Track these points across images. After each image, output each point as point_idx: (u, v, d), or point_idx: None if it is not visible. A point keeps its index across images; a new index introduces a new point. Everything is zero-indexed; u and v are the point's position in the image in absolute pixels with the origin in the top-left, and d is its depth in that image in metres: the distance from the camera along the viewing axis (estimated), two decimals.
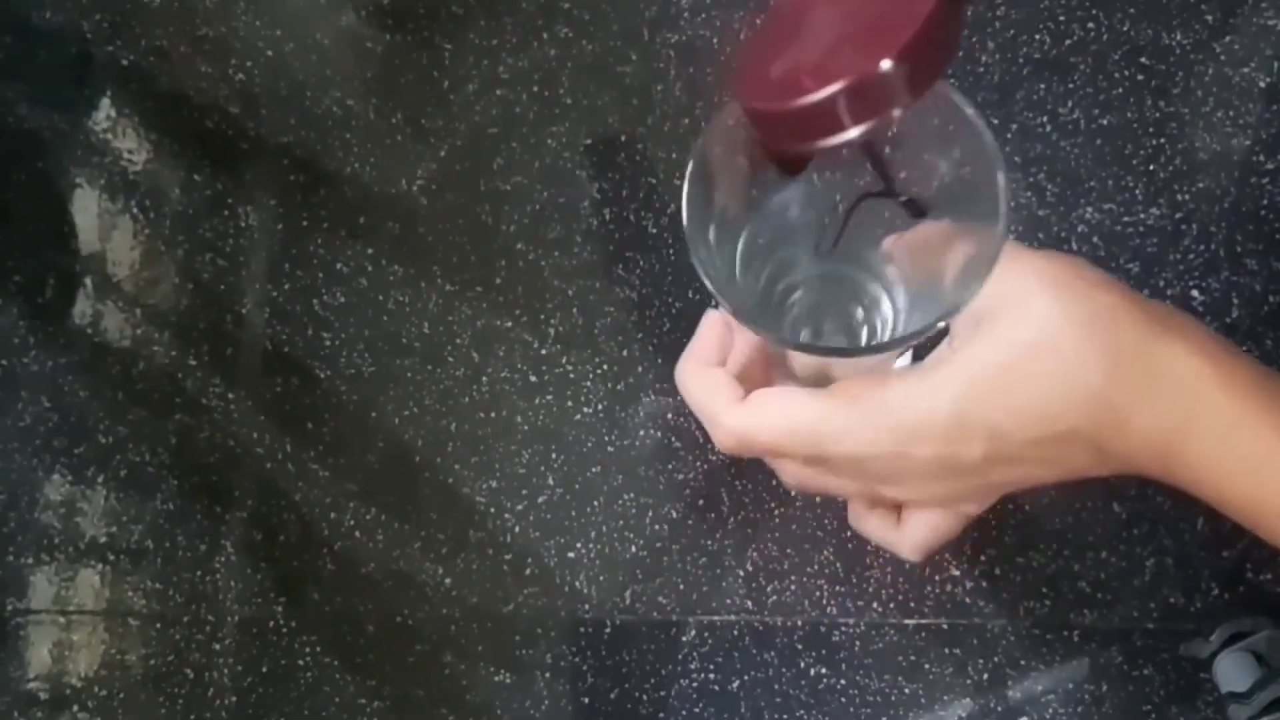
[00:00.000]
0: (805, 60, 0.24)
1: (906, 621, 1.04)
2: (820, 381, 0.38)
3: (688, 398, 0.40)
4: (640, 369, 1.11)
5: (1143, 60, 1.05)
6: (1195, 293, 1.03)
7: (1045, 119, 1.06)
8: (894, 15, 0.23)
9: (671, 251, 1.12)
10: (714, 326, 0.39)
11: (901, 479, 0.38)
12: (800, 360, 0.39)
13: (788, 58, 0.25)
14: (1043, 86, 1.06)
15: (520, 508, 1.12)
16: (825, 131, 0.24)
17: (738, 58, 0.27)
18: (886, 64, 0.23)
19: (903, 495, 0.39)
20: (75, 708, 1.20)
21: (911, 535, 0.42)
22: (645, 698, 1.08)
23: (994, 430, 0.35)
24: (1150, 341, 0.33)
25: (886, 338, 0.36)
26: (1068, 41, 1.07)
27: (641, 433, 1.10)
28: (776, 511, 1.07)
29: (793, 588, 1.06)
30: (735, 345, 0.39)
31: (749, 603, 1.07)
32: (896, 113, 0.24)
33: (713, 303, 0.36)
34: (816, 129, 0.24)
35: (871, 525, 0.43)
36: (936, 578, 1.04)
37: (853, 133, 0.24)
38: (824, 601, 1.06)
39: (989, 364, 0.34)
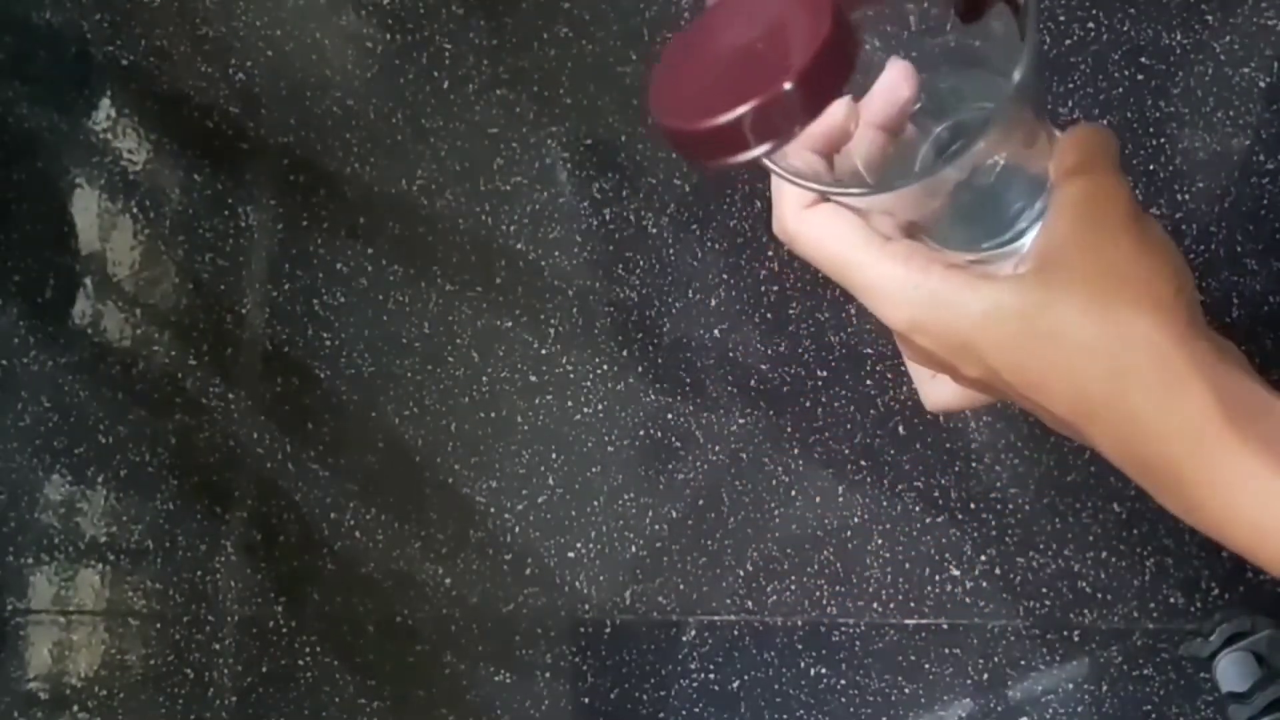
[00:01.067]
0: (714, 81, 0.25)
1: (907, 621, 1.04)
2: (920, 233, 0.39)
3: (774, 182, 0.41)
4: (640, 369, 1.11)
5: (1143, 60, 1.05)
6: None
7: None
8: (795, 37, 0.25)
9: (671, 251, 1.12)
10: (829, 117, 0.39)
11: (906, 345, 0.40)
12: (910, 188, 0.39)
13: (699, 77, 0.26)
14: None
15: (520, 508, 1.12)
16: (732, 150, 0.26)
17: (654, 73, 0.29)
18: (787, 86, 0.24)
19: (909, 356, 0.41)
20: (75, 708, 1.20)
21: (935, 390, 0.43)
22: (645, 698, 1.08)
23: (993, 369, 0.36)
24: (1169, 384, 0.33)
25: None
26: (1068, 41, 1.07)
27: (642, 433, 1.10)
28: (776, 511, 1.07)
29: (793, 588, 1.06)
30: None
31: (749, 603, 1.07)
32: (798, 130, 0.25)
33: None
34: (723, 148, 0.26)
35: (912, 364, 0.44)
36: (937, 578, 1.04)
37: (757, 151, 0.26)
38: (824, 601, 1.06)
39: (1017, 313, 0.34)
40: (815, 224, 0.38)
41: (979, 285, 0.35)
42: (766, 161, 0.32)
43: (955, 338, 0.36)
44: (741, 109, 0.24)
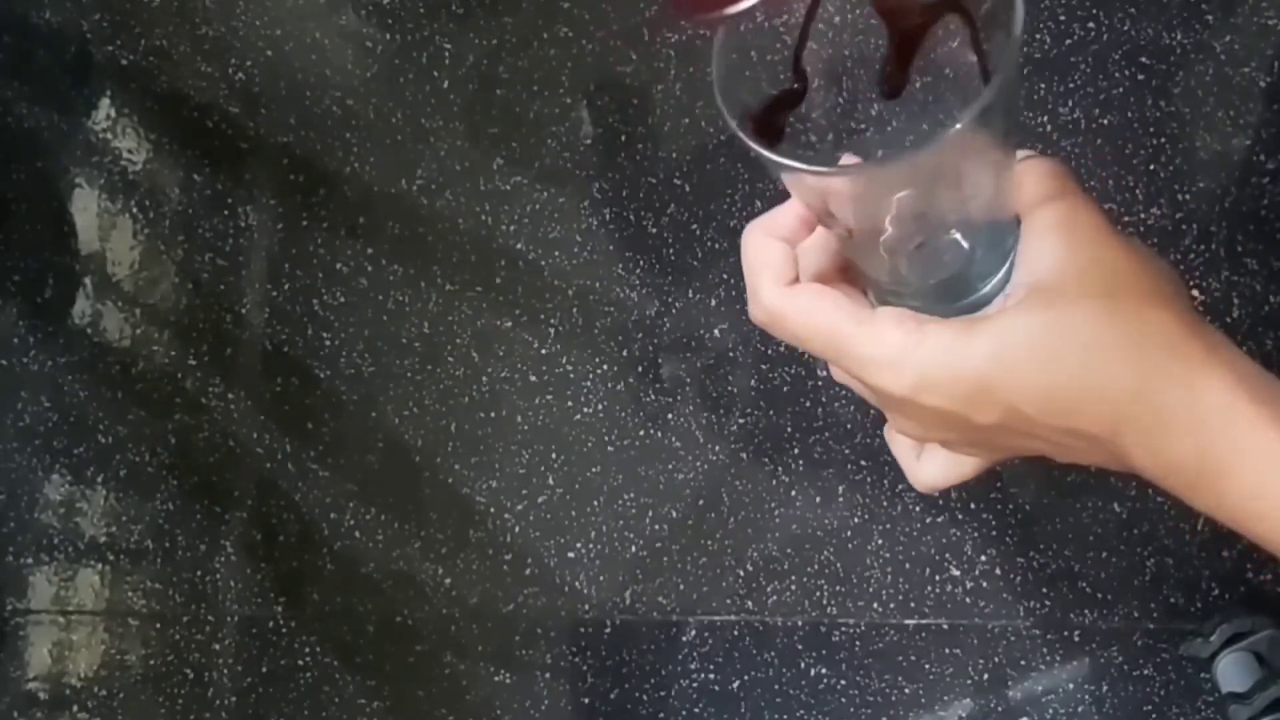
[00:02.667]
0: None
1: (907, 621, 1.04)
2: (891, 300, 0.39)
3: (744, 261, 0.41)
4: (640, 369, 1.11)
5: (1143, 60, 1.05)
6: (1195, 293, 1.03)
7: (1045, 118, 1.06)
8: None
9: (671, 251, 1.12)
10: (797, 205, 0.39)
11: (908, 416, 0.38)
12: (877, 273, 0.39)
13: None
14: (1043, 86, 1.06)
15: (520, 508, 1.12)
16: None
17: None
18: None
19: (908, 430, 0.40)
20: (75, 708, 1.20)
21: (925, 470, 0.42)
22: (645, 698, 1.08)
23: (1013, 407, 0.35)
24: (1192, 372, 0.33)
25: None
26: (1068, 41, 1.06)
27: (644, 430, 1.10)
28: (776, 511, 1.07)
29: (793, 588, 1.06)
30: (810, 242, 0.40)
31: (749, 603, 1.07)
32: None
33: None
34: None
35: (899, 446, 0.43)
36: (937, 578, 1.04)
37: None
38: (824, 601, 1.06)
39: (1028, 340, 0.34)
40: (801, 300, 0.38)
41: (978, 327, 0.35)
42: (764, 153, 0.32)
43: (967, 383, 0.35)
44: None
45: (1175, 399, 0.33)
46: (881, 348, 0.36)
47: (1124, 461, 0.35)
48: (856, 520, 1.05)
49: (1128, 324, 0.34)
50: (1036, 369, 0.34)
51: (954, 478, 0.42)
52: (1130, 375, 0.34)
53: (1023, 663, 1.02)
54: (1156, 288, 0.35)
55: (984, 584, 1.03)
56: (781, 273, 0.38)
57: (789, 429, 1.07)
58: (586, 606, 1.10)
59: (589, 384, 1.12)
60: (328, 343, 1.18)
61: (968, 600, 1.03)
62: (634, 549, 1.09)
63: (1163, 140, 1.04)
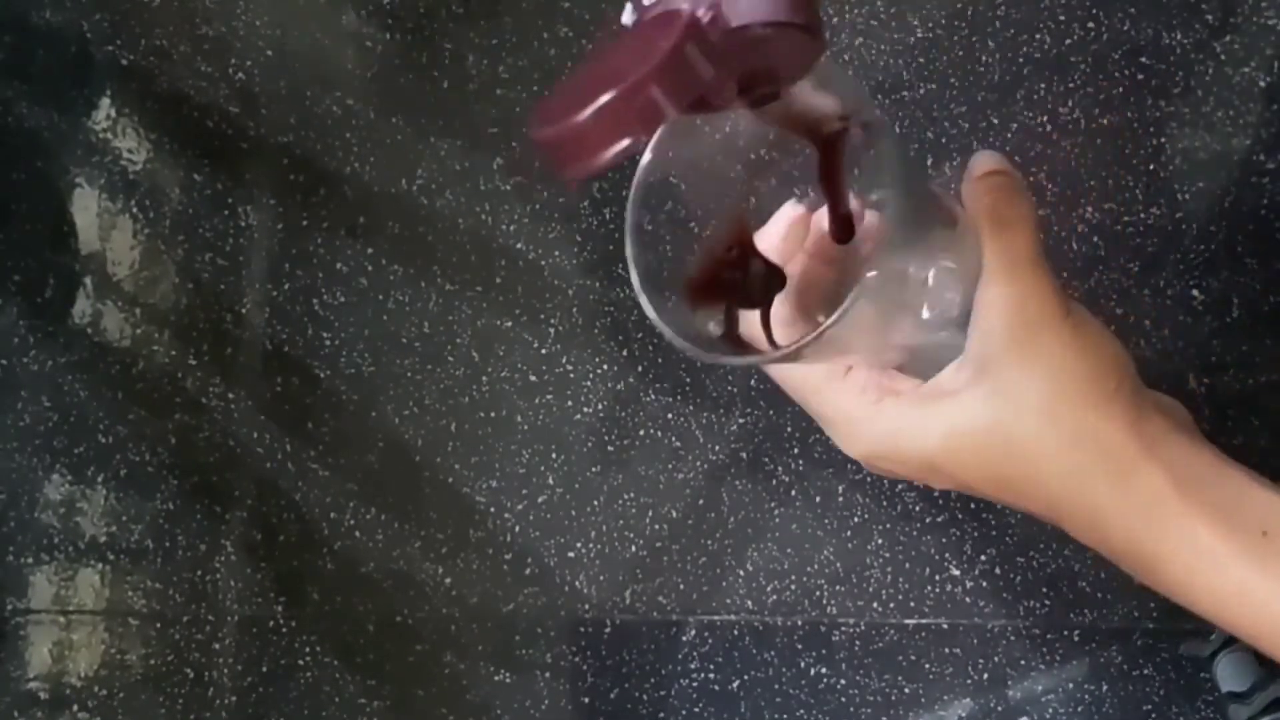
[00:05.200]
0: (577, 98, 0.30)
1: (907, 621, 1.04)
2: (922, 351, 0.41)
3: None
4: (640, 369, 1.11)
5: (1143, 60, 1.05)
6: (1195, 292, 1.03)
7: (1045, 118, 1.06)
8: (651, 50, 0.29)
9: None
10: (783, 220, 0.42)
11: (865, 466, 0.42)
12: (909, 339, 0.40)
13: (569, 95, 0.31)
14: (1043, 86, 1.06)
15: (520, 508, 1.12)
16: (595, 148, 0.29)
17: (538, 107, 0.33)
18: (640, 84, 0.28)
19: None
20: (75, 708, 1.20)
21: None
22: (645, 698, 1.08)
23: (963, 483, 0.38)
24: (1125, 471, 0.35)
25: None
26: (1068, 41, 1.07)
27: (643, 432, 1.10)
28: (776, 511, 1.07)
29: (793, 588, 1.06)
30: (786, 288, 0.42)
31: (749, 603, 1.07)
32: (665, 117, 0.29)
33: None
34: (588, 146, 0.29)
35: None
36: (937, 578, 1.04)
37: (617, 147, 0.29)
38: (824, 601, 1.06)
39: (973, 439, 0.36)
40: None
41: (930, 412, 0.37)
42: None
43: (917, 462, 0.37)
44: (594, 105, 0.28)
45: (1106, 498, 0.35)
46: (840, 415, 0.38)
47: (1072, 533, 0.39)
48: (856, 520, 1.05)
49: (1065, 429, 0.35)
50: (981, 461, 0.36)
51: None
52: (1067, 475, 0.36)
53: (1023, 662, 1.02)
54: (1097, 385, 0.36)
55: (984, 584, 1.03)
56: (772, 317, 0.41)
57: (789, 429, 1.07)
58: (586, 606, 1.10)
59: (589, 384, 1.12)
60: (328, 342, 1.18)
61: (968, 600, 1.03)
62: (634, 549, 1.10)
63: (1163, 140, 1.04)
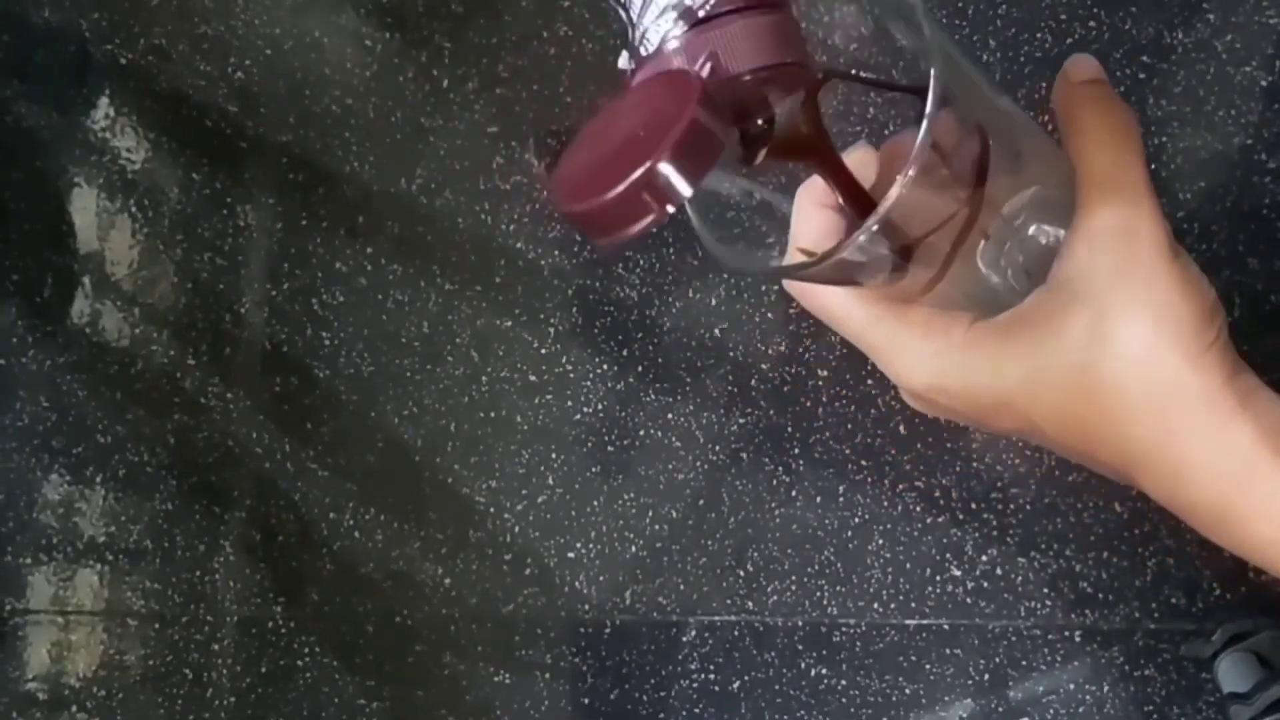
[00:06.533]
0: (601, 165, 0.31)
1: (907, 622, 1.04)
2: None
3: (794, 227, 0.40)
4: (640, 369, 1.11)
5: (1144, 59, 1.05)
6: None
7: (1046, 118, 1.06)
8: (667, 120, 0.30)
9: (671, 251, 1.12)
10: (849, 166, 0.38)
11: (917, 401, 0.38)
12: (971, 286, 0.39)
13: (588, 164, 0.32)
14: (1044, 85, 1.06)
15: (520, 508, 1.12)
16: (622, 224, 0.30)
17: (557, 171, 0.33)
18: (662, 164, 0.29)
19: (913, 404, 0.39)
20: (74, 708, 1.20)
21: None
22: (645, 698, 1.08)
23: (1032, 424, 0.35)
24: (1220, 426, 0.33)
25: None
26: (1069, 40, 1.06)
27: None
28: (776, 511, 1.07)
29: (793, 588, 1.06)
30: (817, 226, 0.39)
31: (749, 603, 1.07)
32: (687, 193, 0.30)
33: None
34: (615, 222, 0.30)
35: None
36: (937, 578, 1.04)
37: (649, 218, 0.30)
38: (824, 601, 1.06)
39: (1060, 377, 0.33)
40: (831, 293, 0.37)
41: (1012, 343, 0.34)
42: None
43: (990, 399, 0.34)
44: (620, 187, 0.29)
45: (1197, 452, 0.33)
46: (901, 341, 0.35)
47: (1137, 487, 0.36)
48: (856, 520, 1.05)
49: (1163, 378, 0.33)
50: (1062, 402, 0.34)
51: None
52: (1156, 429, 0.33)
53: (1023, 663, 1.02)
54: (1200, 337, 0.34)
55: (984, 584, 1.03)
56: (810, 230, 0.38)
57: (789, 429, 1.06)
58: (586, 606, 1.10)
59: (589, 384, 1.12)
60: (327, 342, 1.18)
61: (968, 600, 1.03)
62: (634, 549, 1.09)
63: (1164, 139, 1.04)
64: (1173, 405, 0.33)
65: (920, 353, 0.35)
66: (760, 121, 0.33)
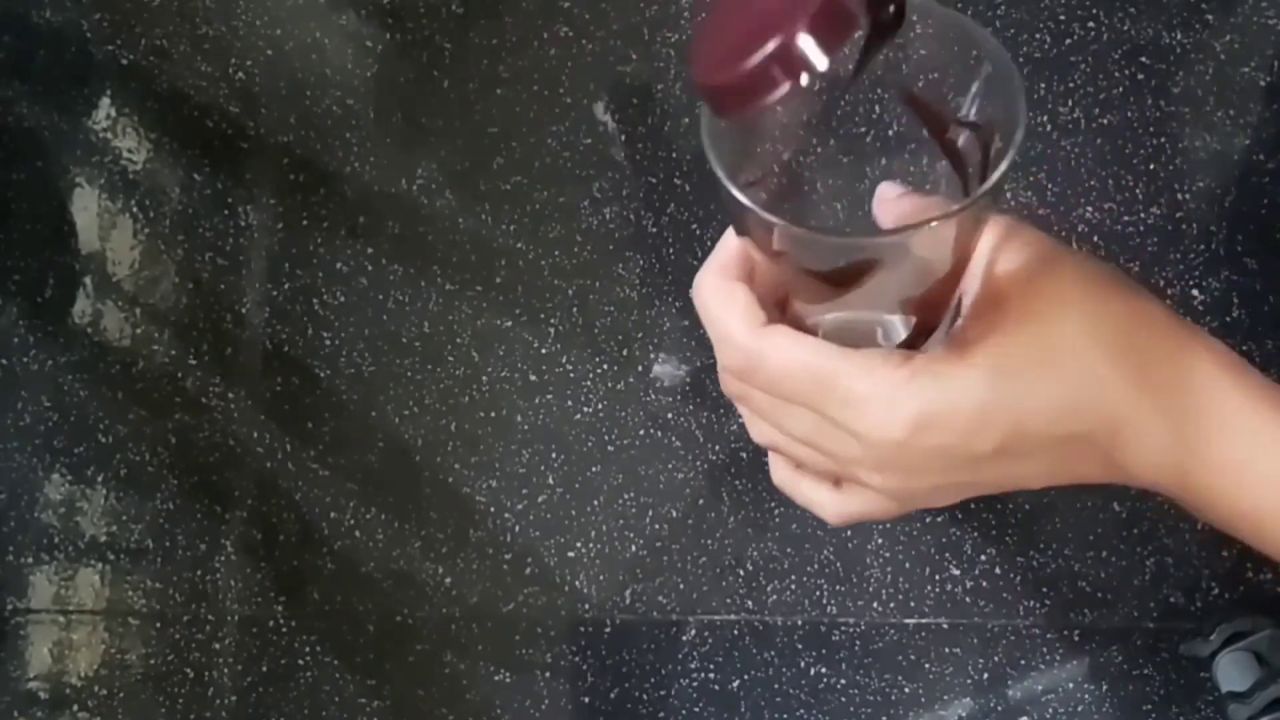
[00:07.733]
0: (736, 38, 0.31)
1: (907, 621, 1.04)
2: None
3: (702, 310, 0.39)
4: (640, 369, 1.11)
5: (1143, 59, 1.05)
6: (1195, 292, 1.03)
7: (1045, 118, 1.06)
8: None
9: (671, 251, 1.12)
10: (741, 243, 0.38)
11: (888, 467, 0.36)
12: (827, 320, 0.39)
13: (724, 37, 0.32)
14: (1043, 85, 1.06)
15: (520, 508, 1.12)
16: (755, 95, 0.31)
17: (691, 45, 0.34)
18: (800, 35, 0.30)
19: (875, 482, 0.38)
20: (75, 707, 1.20)
21: (844, 504, 0.40)
22: (645, 698, 1.08)
23: (1013, 426, 0.34)
24: (1175, 353, 0.34)
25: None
26: (1068, 41, 1.07)
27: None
28: (776, 511, 1.07)
29: (793, 587, 1.06)
30: (758, 278, 0.38)
31: (749, 602, 1.07)
32: (823, 67, 0.30)
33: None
34: (749, 94, 0.31)
35: (803, 486, 0.42)
36: (937, 577, 1.04)
37: (784, 89, 0.30)
38: (824, 601, 1.06)
39: (1018, 359, 0.34)
40: (778, 339, 0.36)
41: (967, 354, 0.34)
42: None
43: (967, 413, 0.34)
44: (755, 58, 0.30)
45: (1172, 376, 0.34)
46: (875, 383, 0.34)
47: (1118, 465, 0.36)
48: None
49: (1118, 315, 0.34)
50: (1035, 380, 0.34)
51: (878, 514, 0.40)
52: (1130, 364, 0.34)
53: (1023, 662, 1.02)
54: (1130, 284, 0.35)
55: (984, 584, 1.03)
56: (752, 314, 0.37)
57: None
58: (586, 606, 1.10)
59: (589, 384, 1.12)
60: (328, 342, 1.18)
61: (968, 600, 1.03)
62: (634, 549, 1.10)
63: (1163, 140, 1.04)
64: (1138, 338, 0.35)
65: (896, 387, 0.34)
66: (891, 8, 0.34)
